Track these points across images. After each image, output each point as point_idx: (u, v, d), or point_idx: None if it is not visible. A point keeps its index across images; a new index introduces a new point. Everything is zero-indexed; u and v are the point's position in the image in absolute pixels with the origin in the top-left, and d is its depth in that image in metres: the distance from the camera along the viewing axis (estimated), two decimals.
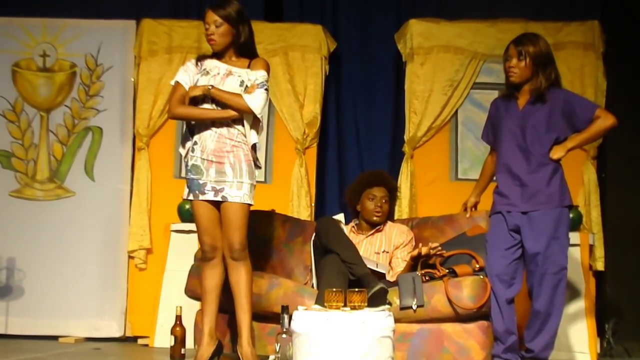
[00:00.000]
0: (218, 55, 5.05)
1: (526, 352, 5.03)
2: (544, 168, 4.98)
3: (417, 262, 5.47)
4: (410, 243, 5.80)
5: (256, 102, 4.90)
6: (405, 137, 6.94)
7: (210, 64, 5.03)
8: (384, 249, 5.78)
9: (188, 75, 5.02)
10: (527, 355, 5.02)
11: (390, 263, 5.74)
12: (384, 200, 5.88)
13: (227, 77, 4.96)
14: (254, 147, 4.99)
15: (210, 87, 4.92)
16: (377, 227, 5.87)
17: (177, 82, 5.03)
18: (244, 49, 5.05)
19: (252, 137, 4.97)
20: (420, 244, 5.61)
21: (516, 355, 5.05)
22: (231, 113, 4.91)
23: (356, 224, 5.94)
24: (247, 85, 4.96)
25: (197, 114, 4.95)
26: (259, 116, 4.93)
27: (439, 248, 5.41)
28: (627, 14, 6.70)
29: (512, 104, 5.11)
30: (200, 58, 5.10)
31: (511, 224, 4.99)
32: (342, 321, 4.30)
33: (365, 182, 5.95)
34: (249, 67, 5.03)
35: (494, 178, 5.22)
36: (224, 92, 4.92)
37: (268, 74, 5.03)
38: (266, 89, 4.97)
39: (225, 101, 4.90)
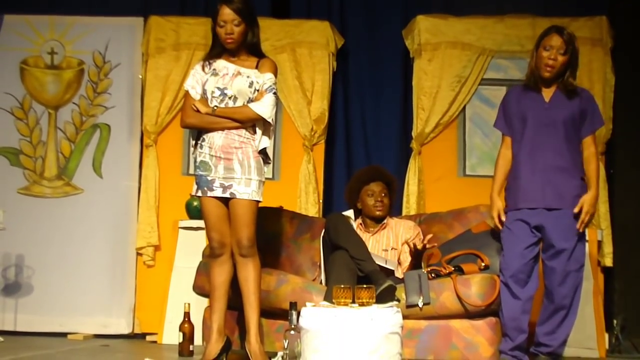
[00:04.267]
0: (226, 54, 5.03)
1: (544, 347, 5.01)
2: (573, 166, 4.96)
3: (417, 258, 5.46)
4: (417, 237, 5.79)
5: (265, 108, 4.89)
6: (413, 134, 6.94)
7: (219, 64, 5.01)
8: (392, 246, 5.77)
9: (196, 80, 5.01)
10: (545, 351, 5.01)
11: (398, 259, 5.74)
12: (383, 194, 5.87)
13: (235, 77, 4.95)
14: (262, 152, 4.98)
15: (214, 108, 4.92)
16: (382, 224, 5.85)
17: (187, 91, 5.02)
18: (252, 47, 5.05)
19: (263, 142, 4.96)
20: (415, 239, 5.60)
21: (524, 354, 5.04)
22: (242, 124, 4.91)
23: (362, 222, 5.93)
24: (256, 89, 4.95)
25: (209, 123, 4.93)
26: (269, 120, 4.92)
27: (431, 236, 5.40)
28: (635, 9, 6.68)
29: (536, 96, 5.02)
30: (208, 58, 5.06)
31: (534, 221, 4.94)
32: (350, 318, 4.30)
33: (361, 179, 5.92)
34: (256, 67, 5.01)
35: (514, 173, 5.08)
36: (229, 109, 4.91)
37: (275, 75, 5.02)
38: (274, 93, 4.96)
39: (232, 116, 4.89)
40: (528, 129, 5.00)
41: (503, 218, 5.07)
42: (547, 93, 5.02)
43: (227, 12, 4.92)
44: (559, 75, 4.98)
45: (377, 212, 5.82)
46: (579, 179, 4.97)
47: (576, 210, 4.90)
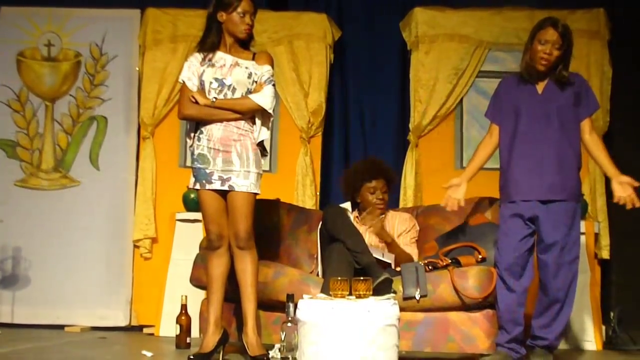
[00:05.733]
0: (221, 46, 5.02)
1: (540, 340, 5.01)
2: (567, 158, 4.94)
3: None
4: (413, 229, 5.79)
5: (265, 98, 4.90)
6: (411, 126, 6.94)
7: (215, 55, 5.01)
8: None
9: (192, 72, 5.00)
10: (541, 344, 5.01)
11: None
12: (383, 191, 5.86)
13: (234, 67, 4.94)
14: (260, 144, 4.98)
15: (214, 100, 4.91)
16: (379, 217, 5.85)
17: (184, 82, 5.01)
18: (249, 40, 5.06)
19: (262, 134, 4.96)
20: (410, 231, 5.68)
21: (520, 346, 5.04)
22: (241, 115, 4.91)
23: (358, 214, 5.92)
24: (254, 80, 4.95)
25: (208, 115, 4.92)
26: (270, 111, 4.93)
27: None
28: (633, 2, 6.68)
29: (529, 87, 5.00)
30: (203, 50, 5.03)
31: (528, 213, 4.93)
32: (347, 310, 4.30)
33: (363, 175, 5.86)
34: (253, 59, 5.01)
35: (507, 165, 5.05)
36: (230, 101, 4.91)
37: (272, 68, 5.03)
38: (273, 85, 4.97)
39: (233, 108, 4.89)
40: (521, 121, 4.98)
41: (454, 206, 5.19)
42: (541, 84, 4.99)
43: (249, 3, 4.97)
44: (554, 67, 4.96)
45: (378, 210, 5.81)
46: (574, 170, 4.96)
47: (624, 202, 4.95)
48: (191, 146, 5.01)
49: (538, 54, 4.92)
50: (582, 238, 6.20)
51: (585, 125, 5.01)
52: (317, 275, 5.54)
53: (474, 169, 5.24)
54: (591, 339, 6.12)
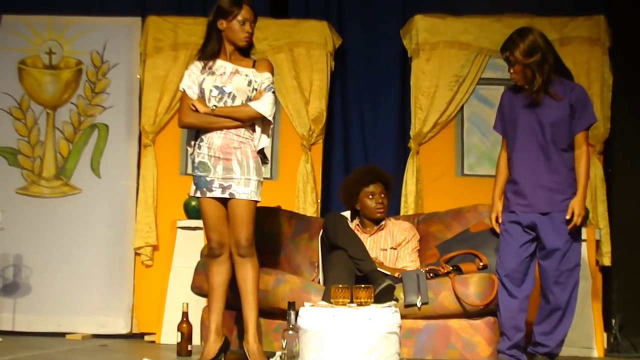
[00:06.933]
0: (222, 54, 5.03)
1: (541, 347, 5.00)
2: (563, 169, 4.94)
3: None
4: (414, 238, 5.79)
5: (265, 106, 4.90)
6: (411, 133, 6.94)
7: (216, 63, 5.01)
8: (390, 245, 5.77)
9: (192, 80, 5.01)
10: (542, 351, 5.00)
11: (397, 259, 5.73)
12: (382, 195, 5.85)
13: (234, 75, 4.95)
14: (260, 152, 4.98)
15: (214, 108, 4.92)
16: (380, 225, 5.85)
17: (184, 91, 5.02)
18: (248, 49, 5.07)
19: (263, 141, 4.96)
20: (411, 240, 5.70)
21: (522, 353, 5.03)
22: (241, 123, 4.91)
23: (359, 223, 5.92)
24: (254, 87, 4.95)
25: (208, 122, 4.93)
26: (270, 119, 4.93)
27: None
28: (633, 8, 6.68)
29: (526, 98, 4.98)
30: (203, 58, 5.05)
31: (526, 221, 4.94)
32: (348, 317, 4.31)
33: (361, 181, 5.88)
34: (253, 66, 5.02)
35: (510, 175, 5.07)
36: (229, 108, 4.92)
37: (273, 75, 5.03)
38: (273, 92, 4.98)
39: (232, 115, 4.90)
40: (519, 132, 4.99)
41: (500, 220, 5.10)
42: (538, 95, 4.98)
43: (249, 11, 4.97)
44: (532, 80, 4.92)
45: (378, 214, 5.81)
46: (572, 180, 4.94)
47: (567, 217, 4.89)
48: (192, 154, 5.01)
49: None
50: (583, 245, 6.18)
51: (577, 139, 4.97)
52: (318, 282, 5.54)
53: (499, 183, 5.18)
54: (593, 345, 6.10)
